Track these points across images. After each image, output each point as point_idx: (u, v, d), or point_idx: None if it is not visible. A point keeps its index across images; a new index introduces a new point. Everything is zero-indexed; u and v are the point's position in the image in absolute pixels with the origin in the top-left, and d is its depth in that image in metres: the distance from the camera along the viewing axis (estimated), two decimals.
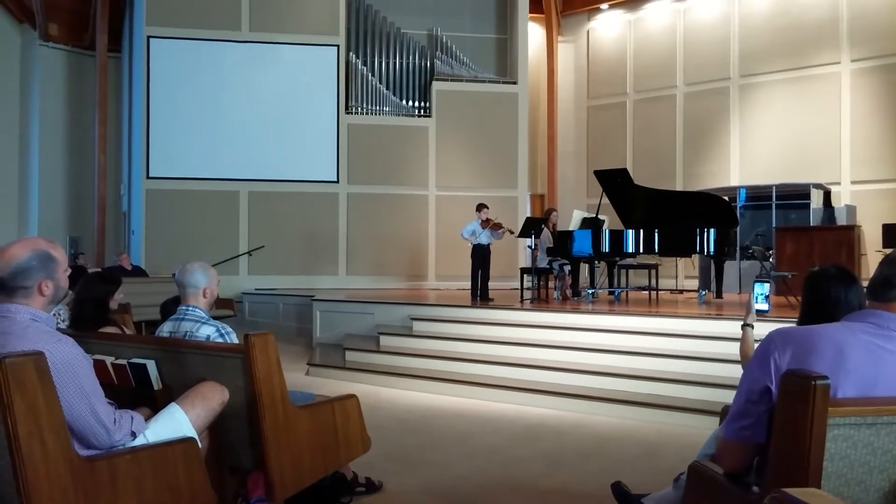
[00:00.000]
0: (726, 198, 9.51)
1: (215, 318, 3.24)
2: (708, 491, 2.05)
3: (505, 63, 14.20)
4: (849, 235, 9.18)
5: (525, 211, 13.41)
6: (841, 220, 10.67)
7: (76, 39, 15.25)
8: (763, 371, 1.76)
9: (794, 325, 2.55)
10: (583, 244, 8.73)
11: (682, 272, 12.77)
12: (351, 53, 13.21)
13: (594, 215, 9.25)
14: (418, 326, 7.93)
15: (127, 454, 2.30)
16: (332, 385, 6.74)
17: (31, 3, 14.59)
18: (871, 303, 1.83)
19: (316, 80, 12.99)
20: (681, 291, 11.37)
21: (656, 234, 8.36)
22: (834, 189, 11.53)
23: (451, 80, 13.42)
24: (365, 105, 13.18)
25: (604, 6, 14.81)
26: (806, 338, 1.76)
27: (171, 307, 3.63)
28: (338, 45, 13.06)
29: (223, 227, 12.65)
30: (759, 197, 11.46)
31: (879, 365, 1.69)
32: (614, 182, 9.05)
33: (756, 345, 1.91)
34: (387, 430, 5.02)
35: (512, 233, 9.35)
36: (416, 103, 13.49)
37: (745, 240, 10.66)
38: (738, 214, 9.69)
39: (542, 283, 9.32)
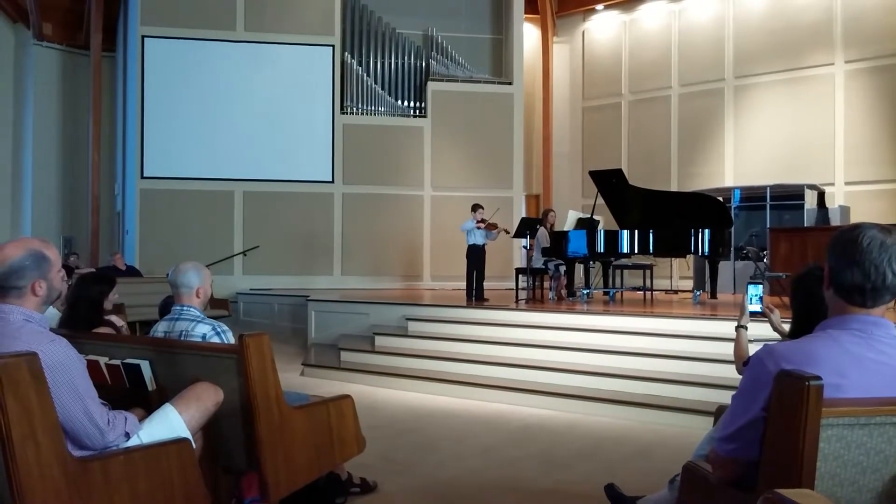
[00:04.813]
0: (721, 198, 9.54)
1: (210, 318, 3.24)
2: (701, 491, 2.05)
3: (500, 63, 14.21)
4: None
5: (520, 211, 13.42)
6: (835, 220, 10.70)
7: (70, 39, 15.21)
8: (759, 398, 1.71)
9: (788, 325, 2.56)
10: (578, 244, 8.74)
11: (677, 273, 12.78)
12: (346, 53, 13.20)
13: (589, 216, 9.27)
14: (413, 327, 7.92)
15: (121, 455, 2.30)
16: (327, 385, 6.73)
17: (25, 3, 14.53)
18: (851, 307, 1.77)
19: (311, 80, 12.98)
20: (675, 292, 11.39)
21: (651, 235, 8.37)
22: (828, 190, 11.57)
23: (447, 81, 13.42)
24: (360, 105, 13.17)
25: (599, 7, 14.84)
26: (799, 358, 1.69)
27: (169, 305, 3.62)
28: (333, 45, 13.04)
29: (218, 226, 12.62)
30: (753, 198, 11.47)
31: (873, 378, 1.67)
32: (609, 182, 9.06)
33: (749, 347, 1.89)
34: (382, 430, 5.01)
35: (507, 232, 9.35)
36: (412, 103, 13.48)
37: (739, 240, 10.68)
38: (732, 215, 9.71)
39: (537, 283, 9.33)
